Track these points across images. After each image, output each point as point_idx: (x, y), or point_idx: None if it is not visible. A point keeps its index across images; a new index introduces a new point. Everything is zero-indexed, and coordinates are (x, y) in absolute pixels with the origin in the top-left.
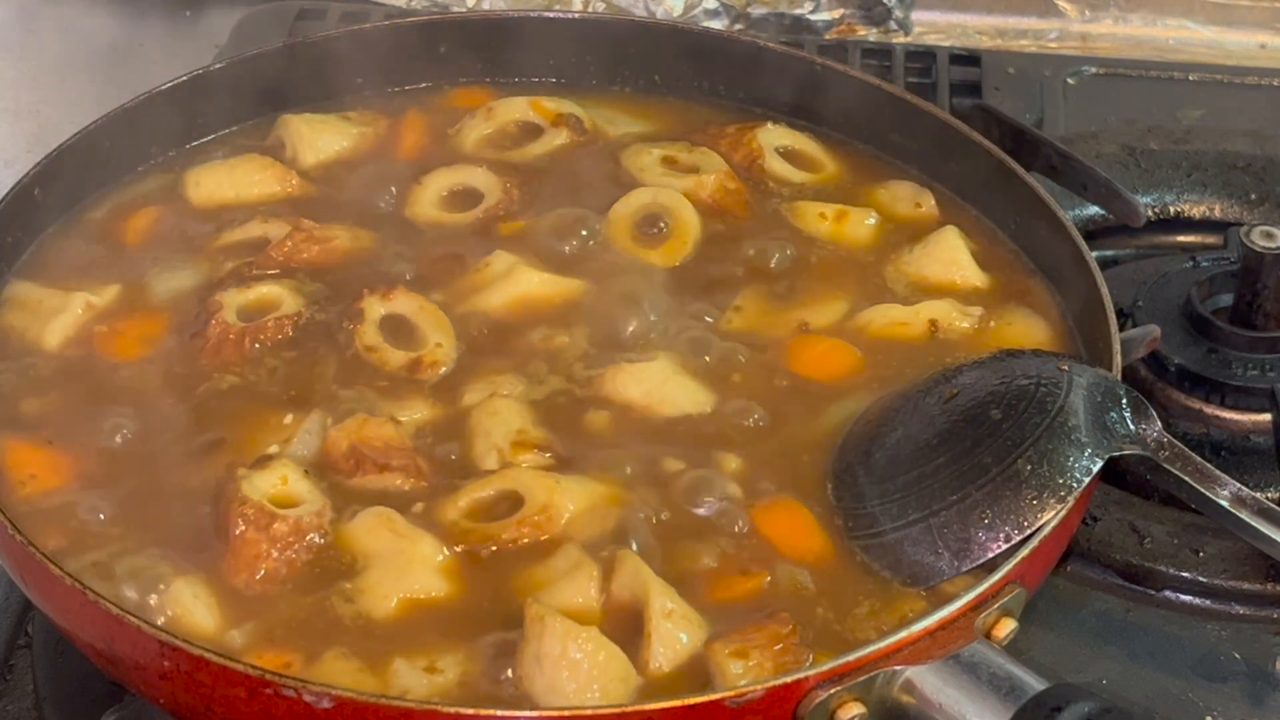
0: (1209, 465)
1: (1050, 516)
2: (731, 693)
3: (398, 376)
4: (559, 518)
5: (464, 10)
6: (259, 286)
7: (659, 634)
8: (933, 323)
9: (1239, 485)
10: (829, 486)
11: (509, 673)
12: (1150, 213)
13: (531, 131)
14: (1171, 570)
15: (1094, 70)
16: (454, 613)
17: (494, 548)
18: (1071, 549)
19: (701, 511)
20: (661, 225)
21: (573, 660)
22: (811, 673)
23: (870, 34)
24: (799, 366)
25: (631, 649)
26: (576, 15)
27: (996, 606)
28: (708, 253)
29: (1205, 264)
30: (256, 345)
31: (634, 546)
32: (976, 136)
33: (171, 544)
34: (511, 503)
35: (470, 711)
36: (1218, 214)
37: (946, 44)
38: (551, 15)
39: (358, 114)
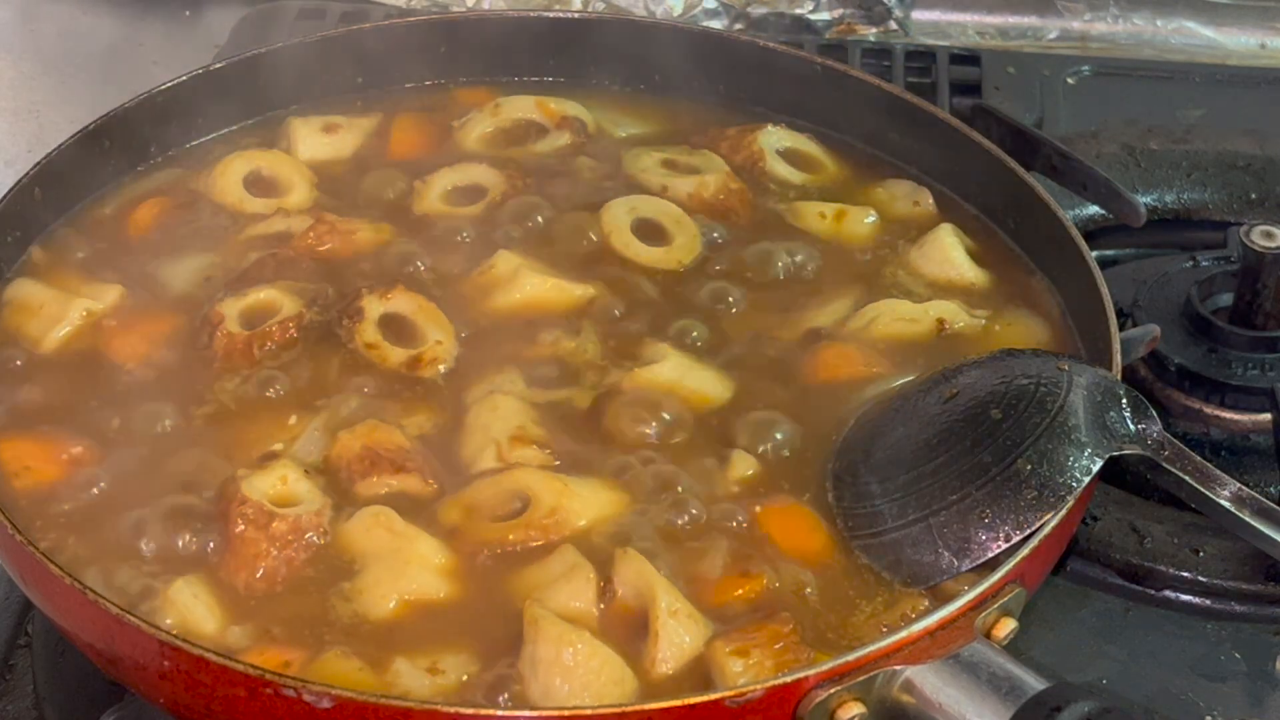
0: (1209, 465)
1: (1050, 516)
2: (731, 692)
3: (398, 374)
4: (567, 520)
5: (464, 10)
6: (255, 292)
7: (665, 633)
8: (941, 321)
9: (1239, 485)
10: (829, 486)
11: (510, 674)
12: (1150, 213)
13: (535, 131)
14: (1171, 570)
15: (1094, 70)
16: (454, 613)
17: (499, 550)
18: (1071, 549)
19: (703, 511)
20: (662, 229)
21: (566, 664)
22: (811, 672)
23: (870, 34)
24: (803, 365)
25: (635, 649)
26: (576, 15)
27: (996, 606)
28: (712, 254)
29: (1205, 264)
30: (265, 349)
31: (638, 547)
32: (976, 136)
33: (172, 543)
34: (517, 504)
35: (470, 711)
36: (1218, 214)
37: (946, 44)
38: (551, 15)
39: (357, 114)
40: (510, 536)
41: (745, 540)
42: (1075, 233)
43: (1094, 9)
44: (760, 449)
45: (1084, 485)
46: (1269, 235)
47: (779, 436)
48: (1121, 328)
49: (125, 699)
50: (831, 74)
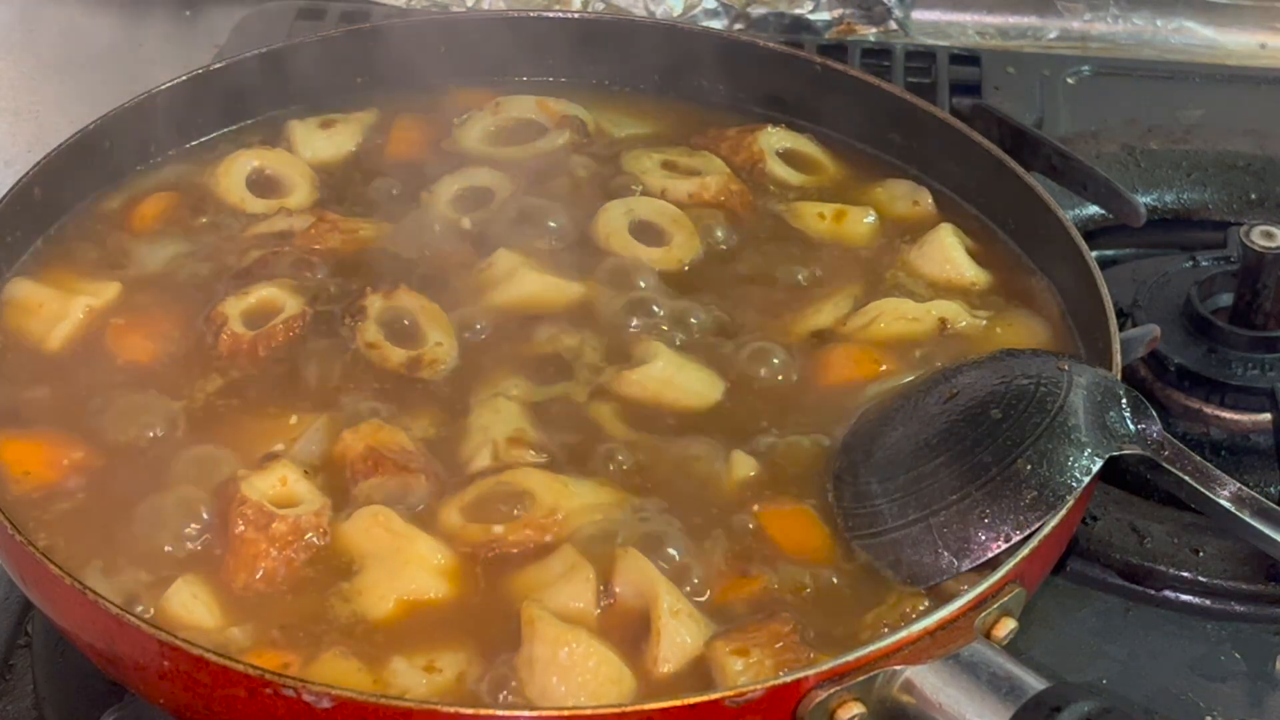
0: (1209, 465)
1: (1050, 516)
2: (731, 692)
3: (399, 375)
4: (567, 520)
5: (464, 10)
6: (257, 291)
7: (667, 633)
8: (943, 320)
9: (1239, 485)
10: (829, 486)
11: (508, 674)
12: (1150, 213)
13: (534, 130)
14: (1171, 570)
15: (1094, 70)
16: (453, 614)
17: (499, 551)
18: (1071, 549)
19: (703, 511)
20: (661, 229)
21: (562, 663)
22: (811, 672)
23: (870, 34)
24: (803, 365)
25: (634, 649)
26: (576, 15)
27: (996, 606)
28: (712, 255)
29: (1205, 264)
30: (270, 348)
31: (638, 547)
32: (976, 136)
33: (172, 543)
34: (517, 504)
35: (470, 711)
36: (1218, 214)
37: (946, 44)
38: (551, 15)
39: (358, 114)
40: (510, 537)
41: (745, 540)
42: (1075, 233)
43: (1094, 9)
44: (759, 449)
45: (1084, 485)
46: (1269, 235)
47: (778, 436)
48: (1121, 328)
49: (125, 699)
50: (831, 74)
